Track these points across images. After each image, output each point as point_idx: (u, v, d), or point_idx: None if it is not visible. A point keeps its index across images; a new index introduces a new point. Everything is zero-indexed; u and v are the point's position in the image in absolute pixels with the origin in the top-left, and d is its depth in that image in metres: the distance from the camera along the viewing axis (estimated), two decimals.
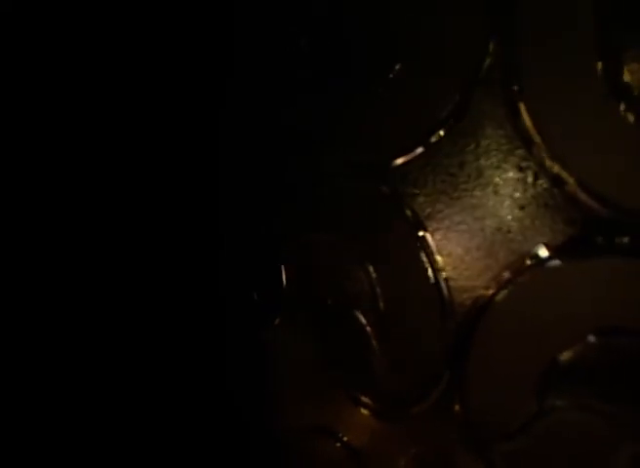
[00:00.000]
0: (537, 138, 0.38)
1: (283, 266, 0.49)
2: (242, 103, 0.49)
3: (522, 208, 0.40)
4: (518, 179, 0.39)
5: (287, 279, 0.49)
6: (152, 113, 0.51)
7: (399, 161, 0.42)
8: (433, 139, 0.40)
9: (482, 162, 0.40)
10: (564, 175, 0.38)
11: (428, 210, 0.42)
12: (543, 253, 0.39)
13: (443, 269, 0.42)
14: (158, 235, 0.52)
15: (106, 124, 0.52)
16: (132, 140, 0.51)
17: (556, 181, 0.38)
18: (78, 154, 0.52)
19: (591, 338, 0.38)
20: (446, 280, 0.41)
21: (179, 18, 0.50)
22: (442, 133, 0.40)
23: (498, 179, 0.40)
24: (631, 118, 0.36)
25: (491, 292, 0.40)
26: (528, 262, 0.39)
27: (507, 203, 0.40)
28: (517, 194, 0.39)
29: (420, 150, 0.41)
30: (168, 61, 0.49)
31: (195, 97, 0.50)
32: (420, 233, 0.42)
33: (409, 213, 0.43)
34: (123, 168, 0.52)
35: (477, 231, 0.40)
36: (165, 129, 0.51)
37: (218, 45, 0.49)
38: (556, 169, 0.38)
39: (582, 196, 0.38)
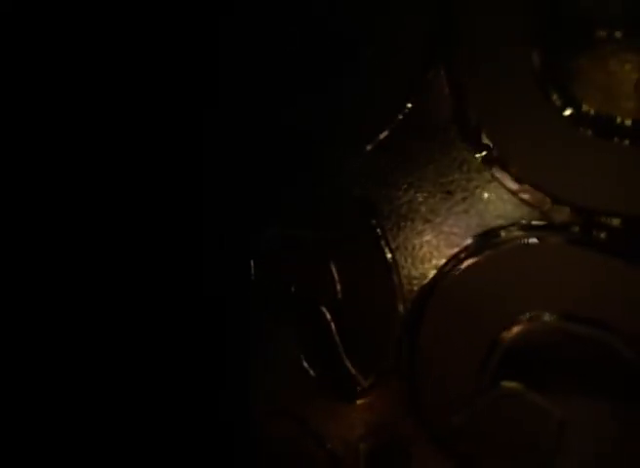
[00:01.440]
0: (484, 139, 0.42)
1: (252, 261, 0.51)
2: (231, 103, 0.51)
3: (465, 199, 0.42)
4: (462, 172, 0.42)
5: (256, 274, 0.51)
6: (143, 111, 0.52)
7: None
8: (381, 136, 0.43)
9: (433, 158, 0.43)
10: (508, 168, 0.41)
11: (385, 205, 0.45)
12: (486, 240, 0.41)
13: (395, 258, 0.44)
14: (145, 235, 0.53)
15: (99, 123, 0.53)
16: (124, 140, 0.52)
17: (498, 176, 0.41)
18: (71, 149, 0.53)
19: (534, 321, 0.41)
20: (397, 268, 0.44)
21: (168, 15, 0.51)
22: (388, 132, 0.43)
23: (445, 174, 0.43)
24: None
25: (437, 278, 0.43)
26: (472, 250, 0.42)
27: (453, 196, 0.43)
28: (462, 186, 0.42)
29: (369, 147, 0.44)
30: (156, 59, 0.51)
31: (186, 96, 0.51)
32: (377, 228, 0.45)
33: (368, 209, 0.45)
34: (114, 170, 0.53)
35: (426, 223, 0.43)
36: (154, 129, 0.52)
37: (207, 43, 0.50)
38: (498, 166, 0.41)
39: (522, 188, 0.41)
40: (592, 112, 0.39)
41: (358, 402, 0.46)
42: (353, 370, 0.46)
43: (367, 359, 0.46)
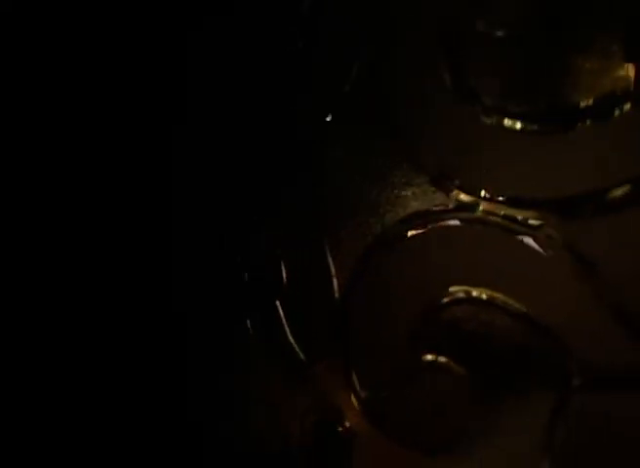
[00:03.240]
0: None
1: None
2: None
3: (394, 189, 0.45)
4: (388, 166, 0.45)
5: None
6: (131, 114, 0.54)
7: None
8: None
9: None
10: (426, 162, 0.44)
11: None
12: (406, 224, 0.44)
13: (330, 244, 0.47)
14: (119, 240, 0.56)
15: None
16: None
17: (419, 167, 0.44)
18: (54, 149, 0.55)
19: (456, 298, 0.44)
20: (331, 252, 0.47)
21: (138, 29, 0.54)
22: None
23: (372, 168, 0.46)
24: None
25: (365, 262, 0.45)
26: (394, 234, 0.45)
27: (382, 184, 0.45)
28: (388, 175, 0.45)
29: None
30: (127, 72, 0.54)
31: (157, 106, 0.54)
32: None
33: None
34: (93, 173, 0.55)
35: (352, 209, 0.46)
36: (129, 131, 0.55)
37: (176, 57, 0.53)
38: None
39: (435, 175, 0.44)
40: (496, 101, 0.41)
41: (305, 380, 0.49)
42: (299, 351, 0.49)
43: (310, 339, 0.49)
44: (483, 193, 0.42)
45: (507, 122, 0.41)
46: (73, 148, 0.55)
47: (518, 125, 0.41)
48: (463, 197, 0.42)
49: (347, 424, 0.47)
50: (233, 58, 0.51)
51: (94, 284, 0.53)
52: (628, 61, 0.39)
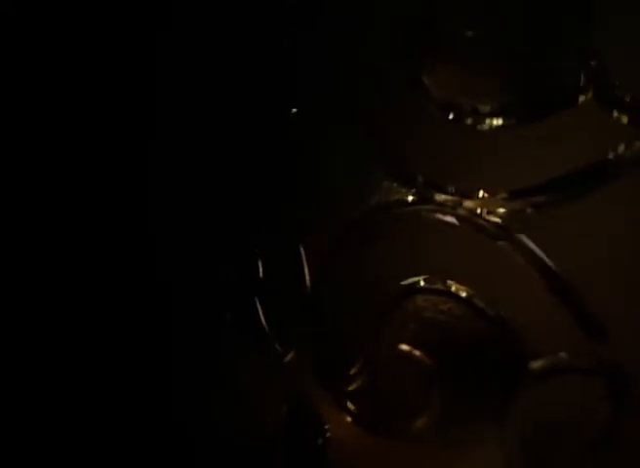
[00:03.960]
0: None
1: None
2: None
3: (360, 185, 0.47)
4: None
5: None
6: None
7: None
8: None
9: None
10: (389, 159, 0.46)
11: None
12: (372, 217, 0.46)
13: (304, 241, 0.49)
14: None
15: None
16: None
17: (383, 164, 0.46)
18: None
19: (418, 287, 0.45)
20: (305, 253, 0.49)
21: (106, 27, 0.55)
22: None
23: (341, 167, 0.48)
24: None
25: (334, 255, 0.48)
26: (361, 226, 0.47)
27: (349, 181, 0.48)
28: (355, 173, 0.47)
29: None
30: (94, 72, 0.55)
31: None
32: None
33: None
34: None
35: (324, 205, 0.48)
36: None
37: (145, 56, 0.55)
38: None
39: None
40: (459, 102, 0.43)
41: (280, 369, 0.51)
42: (275, 342, 0.51)
43: (284, 330, 0.51)
44: (440, 187, 0.44)
45: (467, 119, 0.43)
46: (54, 147, 0.56)
47: (472, 121, 0.43)
48: (423, 191, 0.44)
49: (318, 412, 0.49)
50: (216, 56, 0.52)
51: (78, 275, 0.56)
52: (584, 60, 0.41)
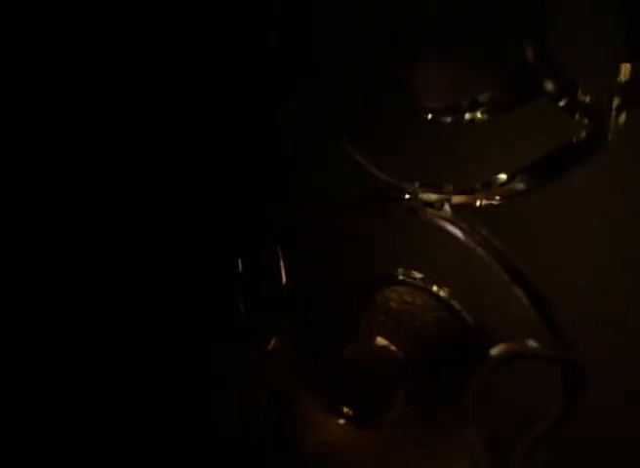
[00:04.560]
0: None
1: None
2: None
3: (331, 181, 0.49)
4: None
5: None
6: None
7: None
8: None
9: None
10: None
11: None
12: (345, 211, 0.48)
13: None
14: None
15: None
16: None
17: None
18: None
19: (389, 280, 0.48)
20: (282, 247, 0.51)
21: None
22: None
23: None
24: None
25: (309, 246, 0.50)
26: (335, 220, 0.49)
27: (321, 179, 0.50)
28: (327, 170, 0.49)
29: None
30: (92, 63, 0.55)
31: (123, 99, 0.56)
32: None
33: None
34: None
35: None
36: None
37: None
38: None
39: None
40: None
41: (261, 358, 0.53)
42: (256, 332, 0.53)
43: (264, 322, 0.53)
44: (407, 181, 0.46)
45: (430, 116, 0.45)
46: (44, 140, 0.56)
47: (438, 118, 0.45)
48: (391, 185, 0.46)
49: (295, 402, 0.51)
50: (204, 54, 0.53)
51: (64, 270, 0.57)
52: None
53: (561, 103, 0.42)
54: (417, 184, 0.46)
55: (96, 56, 0.55)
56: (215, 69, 0.53)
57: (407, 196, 0.46)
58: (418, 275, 0.46)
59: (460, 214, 0.45)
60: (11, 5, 0.55)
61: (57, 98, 0.56)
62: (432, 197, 0.45)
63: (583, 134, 0.42)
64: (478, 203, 0.45)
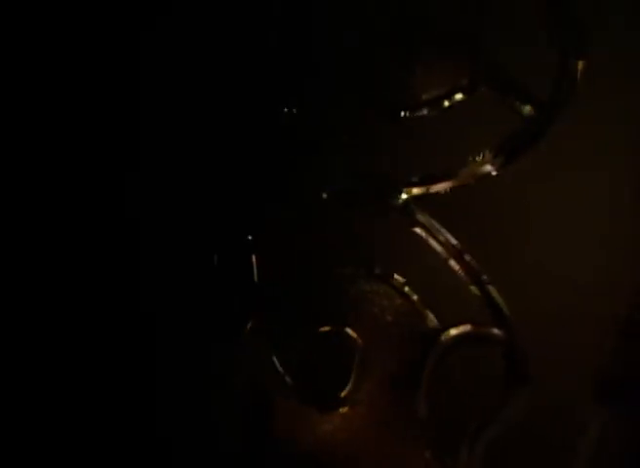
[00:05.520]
0: None
1: None
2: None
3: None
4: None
5: None
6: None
7: None
8: None
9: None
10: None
11: None
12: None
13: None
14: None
15: None
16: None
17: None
18: None
19: (351, 274, 0.51)
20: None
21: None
22: None
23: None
24: None
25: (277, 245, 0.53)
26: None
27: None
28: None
29: None
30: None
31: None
32: None
33: None
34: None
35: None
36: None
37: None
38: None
39: None
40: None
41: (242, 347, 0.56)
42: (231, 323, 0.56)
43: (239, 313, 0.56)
44: (360, 176, 0.49)
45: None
46: (38, 142, 0.57)
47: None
48: (347, 181, 0.50)
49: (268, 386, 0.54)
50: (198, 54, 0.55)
51: (55, 272, 0.57)
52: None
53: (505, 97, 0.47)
54: (372, 176, 0.49)
55: (96, 55, 0.56)
56: (215, 69, 0.55)
57: (363, 191, 0.50)
58: (377, 265, 0.50)
59: (415, 204, 0.48)
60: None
61: (57, 99, 0.57)
62: (387, 188, 0.49)
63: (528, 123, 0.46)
64: (434, 191, 0.48)
